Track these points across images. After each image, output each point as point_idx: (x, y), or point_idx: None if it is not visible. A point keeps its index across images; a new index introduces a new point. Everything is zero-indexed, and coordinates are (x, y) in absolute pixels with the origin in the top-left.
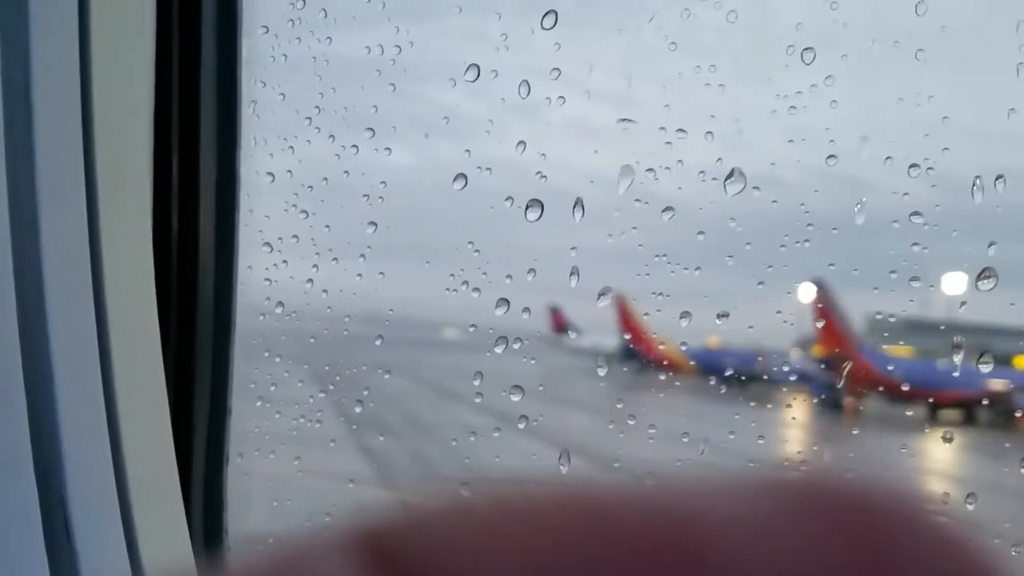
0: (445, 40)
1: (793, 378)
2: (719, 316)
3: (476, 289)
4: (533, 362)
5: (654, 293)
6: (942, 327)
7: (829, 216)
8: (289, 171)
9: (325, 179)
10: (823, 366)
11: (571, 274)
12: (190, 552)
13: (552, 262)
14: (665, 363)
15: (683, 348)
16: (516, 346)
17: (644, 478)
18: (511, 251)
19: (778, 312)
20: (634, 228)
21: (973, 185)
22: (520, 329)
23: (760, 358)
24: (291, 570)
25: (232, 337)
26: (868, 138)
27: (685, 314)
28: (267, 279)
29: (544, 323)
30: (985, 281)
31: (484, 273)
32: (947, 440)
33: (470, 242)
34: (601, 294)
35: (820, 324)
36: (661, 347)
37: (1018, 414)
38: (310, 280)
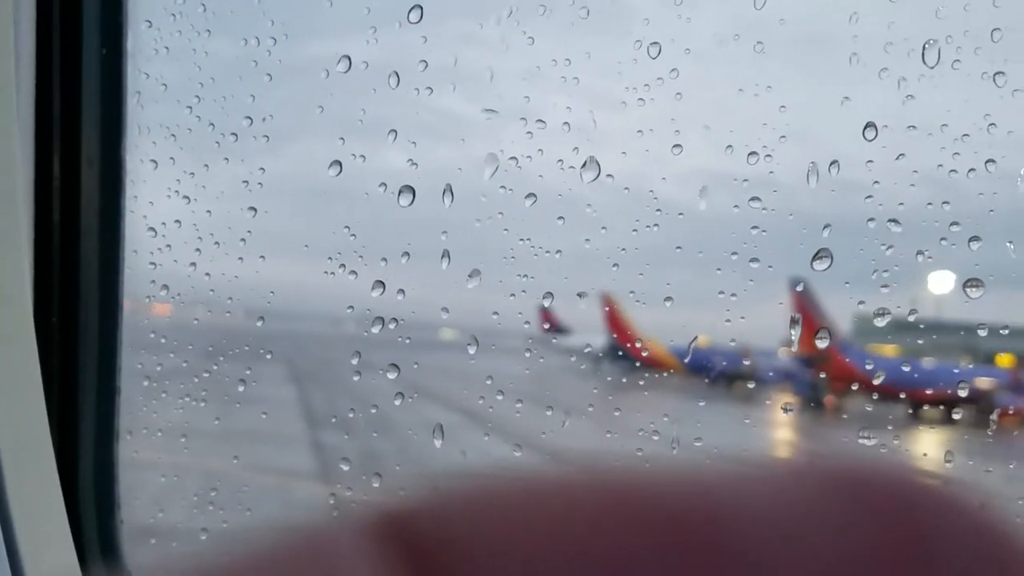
0: (319, 33)
1: (778, 377)
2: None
3: (353, 272)
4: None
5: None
6: (922, 327)
7: (671, 203)
8: (172, 158)
9: (206, 166)
10: (805, 365)
11: (442, 257)
12: (72, 547)
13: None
14: (653, 362)
15: (671, 346)
16: (392, 326)
17: (666, 465)
18: (385, 233)
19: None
20: (500, 213)
21: (808, 171)
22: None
23: (746, 358)
24: (313, 551)
25: (119, 319)
26: (710, 127)
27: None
28: (152, 263)
29: (535, 322)
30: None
31: (360, 256)
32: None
33: (346, 226)
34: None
35: (800, 324)
36: (648, 346)
37: (1005, 411)
38: (193, 264)
